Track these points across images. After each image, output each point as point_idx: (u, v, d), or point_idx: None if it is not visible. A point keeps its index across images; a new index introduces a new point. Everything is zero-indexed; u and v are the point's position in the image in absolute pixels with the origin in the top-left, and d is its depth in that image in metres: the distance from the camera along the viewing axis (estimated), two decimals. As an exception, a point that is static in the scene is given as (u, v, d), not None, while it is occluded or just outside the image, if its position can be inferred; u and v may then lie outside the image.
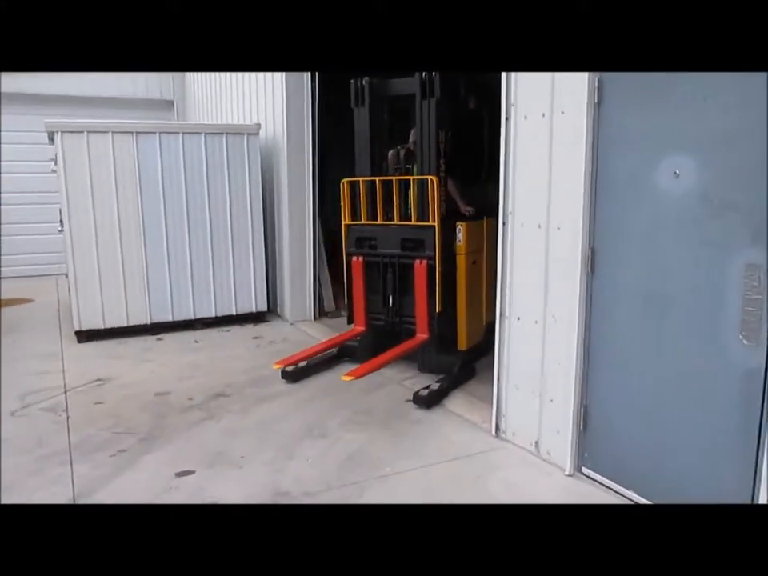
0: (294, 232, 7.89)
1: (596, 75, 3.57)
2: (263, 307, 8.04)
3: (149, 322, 7.40)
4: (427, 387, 5.15)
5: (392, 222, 5.53)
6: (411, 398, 5.14)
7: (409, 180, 5.53)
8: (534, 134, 4.00)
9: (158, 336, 7.39)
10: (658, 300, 3.36)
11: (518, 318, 4.26)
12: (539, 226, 4.00)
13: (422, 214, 5.39)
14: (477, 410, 4.96)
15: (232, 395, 5.42)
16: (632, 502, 3.52)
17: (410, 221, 5.47)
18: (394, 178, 5.51)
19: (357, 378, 4.91)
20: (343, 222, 5.83)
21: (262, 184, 7.99)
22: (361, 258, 5.68)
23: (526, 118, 4.06)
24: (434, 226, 5.24)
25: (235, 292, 7.82)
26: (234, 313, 7.85)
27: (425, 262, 5.28)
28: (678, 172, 3.19)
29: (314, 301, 8.04)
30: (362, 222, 5.73)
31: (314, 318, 8.04)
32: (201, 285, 7.64)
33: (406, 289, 5.52)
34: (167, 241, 7.39)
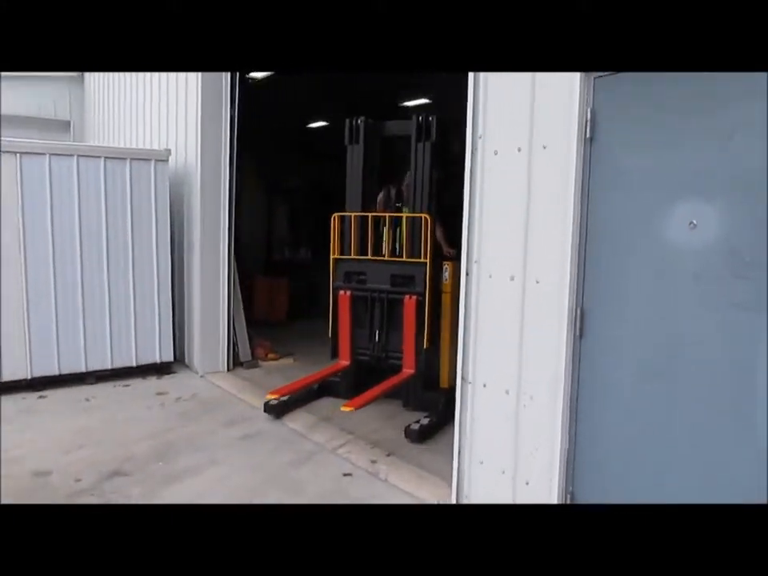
0: (206, 271, 6.99)
1: (587, 106, 3.03)
2: (169, 357, 7.03)
3: (29, 376, 6.21)
4: (417, 421, 5.12)
5: (382, 258, 5.57)
6: (347, 473, 4.55)
7: (398, 217, 5.66)
8: (506, 172, 3.41)
9: (41, 393, 6.20)
10: (667, 372, 2.80)
11: (484, 385, 3.61)
12: (512, 278, 3.39)
13: (413, 251, 5.45)
14: (428, 486, 4.25)
15: (132, 473, 4.42)
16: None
17: (400, 257, 5.54)
18: (387, 214, 5.66)
19: (356, 408, 4.85)
20: (331, 256, 5.76)
21: (171, 217, 7.06)
22: (348, 292, 5.65)
23: (496, 153, 3.47)
24: (426, 263, 5.31)
25: (136, 340, 6.77)
26: (135, 364, 6.78)
27: (414, 297, 5.31)
28: (694, 222, 2.67)
29: (227, 349, 7.13)
30: (351, 256, 5.70)
31: (228, 369, 7.11)
32: (95, 331, 6.54)
33: (393, 324, 5.52)
34: (55, 279, 6.27)
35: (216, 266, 7.07)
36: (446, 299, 5.54)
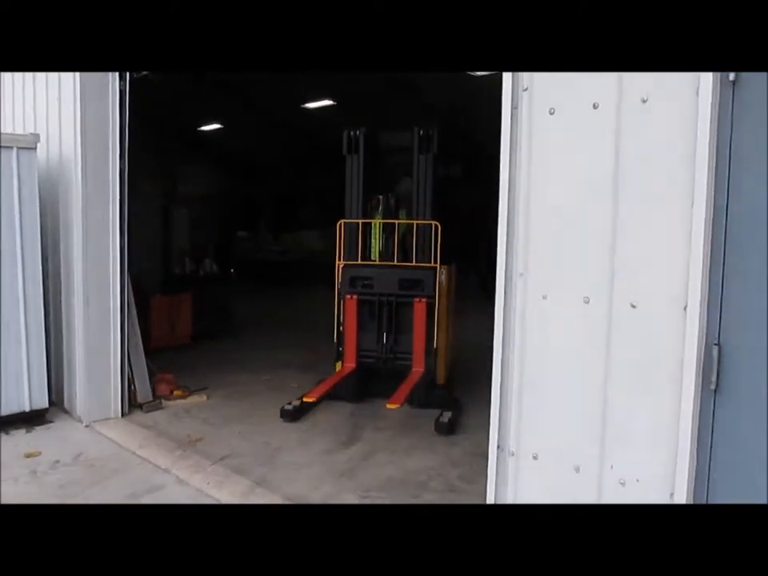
0: (91, 291, 5.35)
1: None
2: (42, 402, 5.30)
3: None
4: (440, 416, 5.12)
5: (390, 263, 5.72)
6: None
7: (395, 224, 5.85)
8: (571, 139, 2.25)
9: None
10: None
11: (534, 457, 2.42)
12: (586, 301, 2.22)
13: (422, 256, 5.64)
14: None
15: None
16: None
17: (405, 262, 5.73)
18: (397, 221, 5.84)
19: (400, 404, 4.94)
20: (338, 263, 5.84)
21: (42, 222, 5.40)
22: (355, 297, 5.65)
23: (552, 112, 2.29)
24: (435, 267, 5.51)
25: (-4, 382, 5.06)
26: (-6, 414, 5.06)
27: (425, 300, 5.44)
28: None
29: (121, 389, 5.50)
30: (359, 262, 5.78)
31: (123, 415, 5.47)
32: (-65, 374, 4.77)
33: (400, 327, 5.63)
34: None
35: (104, 285, 5.44)
36: (441, 301, 5.60)
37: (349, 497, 3.92)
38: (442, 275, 5.55)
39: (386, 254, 5.91)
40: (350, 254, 5.82)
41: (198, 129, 21.12)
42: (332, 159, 21.06)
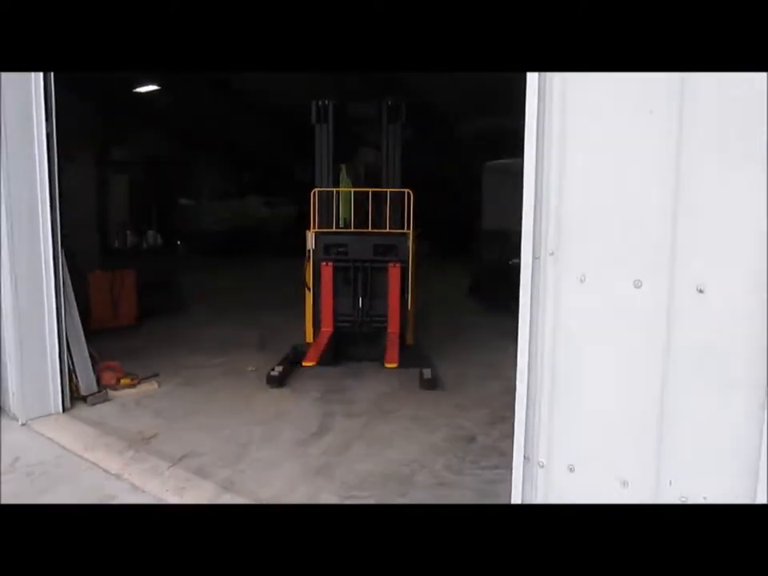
0: (20, 271, 4.70)
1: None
2: (-32, 399, 4.70)
3: None
4: (422, 373, 5.39)
5: (364, 230, 5.83)
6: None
7: (368, 192, 5.91)
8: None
9: None
10: None
11: (570, 469, 2.04)
12: (638, 285, 1.83)
13: (395, 223, 5.84)
14: None
15: None
16: None
17: (380, 229, 5.86)
18: (370, 190, 5.90)
19: (398, 364, 5.25)
20: (312, 230, 5.85)
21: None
22: (330, 264, 5.74)
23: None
24: (408, 233, 5.73)
25: None
26: None
27: (399, 265, 5.66)
28: None
29: (61, 381, 4.90)
30: (333, 229, 5.89)
31: (65, 410, 4.87)
32: None
33: (374, 291, 5.82)
34: None
35: (36, 264, 4.78)
36: (412, 266, 5.85)
37: (329, 497, 3.51)
38: (408, 240, 5.77)
39: (357, 221, 6.07)
40: (324, 221, 5.90)
41: (135, 90, 19.84)
42: (277, 123, 20.39)
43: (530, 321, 2.02)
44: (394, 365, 5.18)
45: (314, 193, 5.84)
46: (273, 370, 5.42)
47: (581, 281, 1.92)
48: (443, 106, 17.51)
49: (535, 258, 2.01)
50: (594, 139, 1.90)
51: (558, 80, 1.98)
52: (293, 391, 5.34)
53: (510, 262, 8.49)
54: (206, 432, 4.39)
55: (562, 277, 1.95)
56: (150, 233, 8.09)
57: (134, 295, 7.51)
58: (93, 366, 5.29)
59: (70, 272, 5.26)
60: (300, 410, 4.85)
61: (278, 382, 5.31)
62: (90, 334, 5.90)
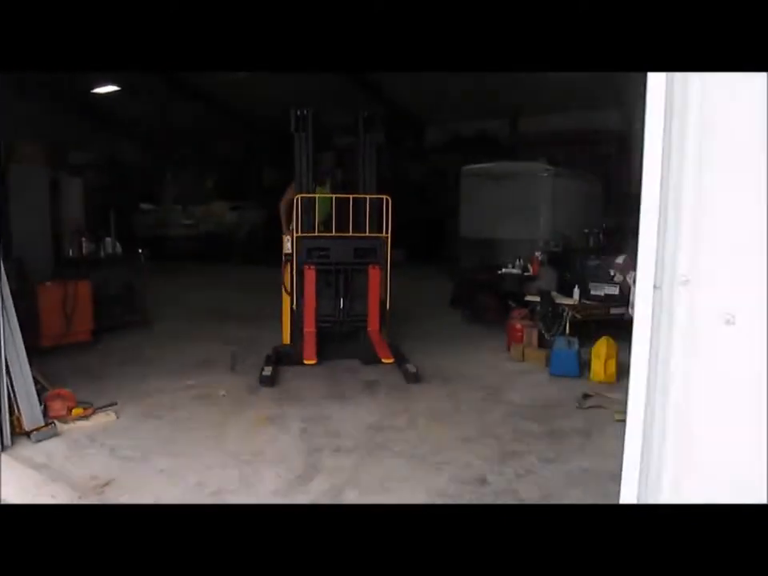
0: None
1: None
2: None
3: None
4: (406, 369, 5.66)
5: (344, 234, 5.96)
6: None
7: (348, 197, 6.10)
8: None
9: None
10: None
11: None
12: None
13: (372, 227, 6.03)
14: None
15: None
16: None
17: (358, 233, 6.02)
18: (351, 196, 6.06)
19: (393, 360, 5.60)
20: (295, 235, 5.89)
21: None
22: (313, 267, 5.83)
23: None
24: (387, 237, 5.93)
25: None
26: None
27: (378, 267, 5.89)
28: None
29: (0, 415, 4.16)
30: (315, 234, 5.99)
31: (3, 447, 4.12)
32: None
33: (354, 292, 6.03)
34: None
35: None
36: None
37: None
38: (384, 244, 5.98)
39: (335, 226, 6.16)
40: (305, 226, 5.93)
41: (92, 91, 18.87)
42: (243, 126, 19.55)
43: (647, 383, 1.43)
44: (391, 360, 5.51)
45: (297, 198, 5.88)
46: (263, 370, 5.55)
47: (727, 321, 1.34)
48: (415, 110, 17.07)
49: (656, 287, 1.43)
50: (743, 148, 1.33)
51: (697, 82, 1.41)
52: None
53: (500, 272, 7.99)
54: (170, 478, 3.70)
55: (698, 313, 1.37)
56: (108, 240, 7.29)
57: (90, 308, 6.73)
58: (39, 394, 4.55)
59: (17, 283, 4.54)
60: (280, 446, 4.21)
61: (269, 382, 5.43)
62: (40, 353, 5.22)
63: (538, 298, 6.61)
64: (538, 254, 7.53)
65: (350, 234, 5.97)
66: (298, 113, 6.01)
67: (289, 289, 6.02)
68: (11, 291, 4.41)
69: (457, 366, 6.20)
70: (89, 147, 21.41)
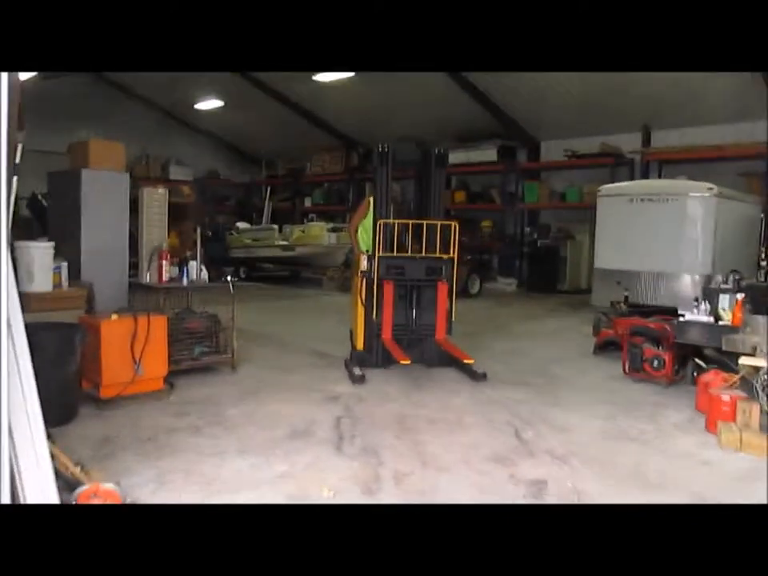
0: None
1: None
2: None
3: None
4: (475, 371, 6.29)
5: (417, 255, 6.64)
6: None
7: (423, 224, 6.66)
8: None
9: None
10: None
11: None
12: None
13: (444, 249, 6.59)
14: None
15: None
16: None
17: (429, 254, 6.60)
18: (425, 222, 6.63)
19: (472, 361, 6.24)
20: (377, 255, 6.43)
21: None
22: (391, 282, 6.44)
23: None
24: (453, 258, 6.58)
25: None
26: None
27: (446, 283, 6.54)
28: None
29: None
30: (394, 254, 6.58)
31: None
32: None
33: (424, 305, 6.64)
34: None
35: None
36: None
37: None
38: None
39: (409, 247, 6.90)
40: (385, 247, 6.55)
41: (195, 106, 18.26)
42: (347, 145, 18.10)
43: None
44: (472, 360, 6.17)
45: (379, 224, 6.49)
46: (354, 370, 6.23)
47: None
48: (530, 125, 15.25)
49: None
50: None
51: None
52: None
53: (681, 319, 6.01)
54: None
55: None
56: (194, 263, 5.91)
57: (164, 349, 5.34)
58: (70, 485, 3.09)
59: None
60: None
61: (361, 380, 6.06)
62: (97, 406, 3.83)
63: (763, 363, 4.63)
64: (739, 296, 5.52)
65: (423, 254, 6.62)
66: (380, 148, 6.66)
67: (364, 302, 6.58)
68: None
69: (644, 457, 4.32)
70: (191, 161, 20.93)
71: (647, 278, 9.39)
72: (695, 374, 6.14)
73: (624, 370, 6.43)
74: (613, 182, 11.52)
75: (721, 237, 9.17)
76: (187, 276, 5.97)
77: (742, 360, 4.79)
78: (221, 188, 22.03)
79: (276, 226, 15.47)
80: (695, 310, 5.84)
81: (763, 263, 8.07)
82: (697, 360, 5.97)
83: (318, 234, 14.01)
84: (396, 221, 6.66)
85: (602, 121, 13.95)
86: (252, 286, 14.67)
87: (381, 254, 6.46)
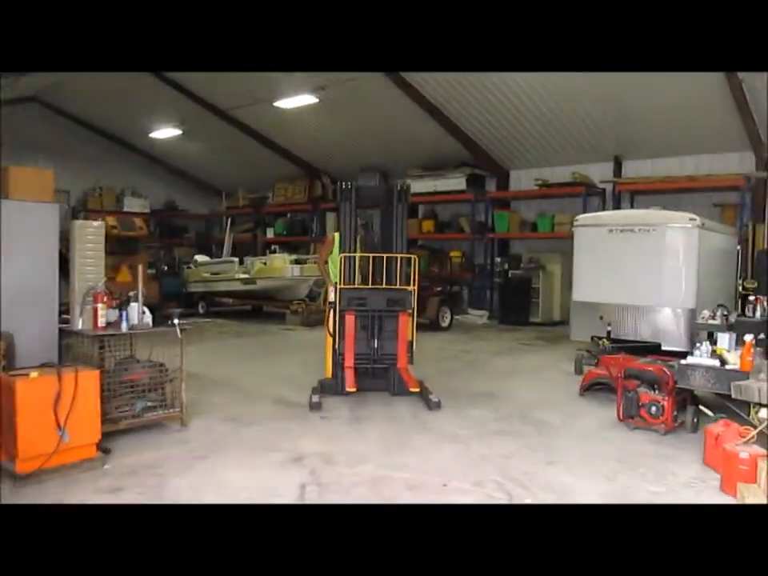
0: None
1: None
2: None
3: None
4: (429, 400, 6.47)
5: (378, 286, 6.77)
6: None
7: (383, 256, 6.91)
8: None
9: None
10: None
11: None
12: None
13: (404, 281, 6.78)
14: None
15: None
16: None
17: (388, 286, 6.79)
18: (385, 255, 6.87)
19: (419, 388, 6.51)
20: (338, 287, 6.70)
21: None
22: (353, 313, 6.65)
23: None
24: (414, 289, 6.77)
25: None
26: None
27: (406, 314, 6.72)
28: None
29: None
30: (355, 286, 6.80)
31: None
32: None
33: (386, 334, 6.78)
34: None
35: None
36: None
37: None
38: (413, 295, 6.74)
39: (370, 279, 6.83)
40: (348, 279, 6.77)
41: (150, 135, 17.46)
42: (308, 172, 17.45)
43: None
44: (417, 389, 6.40)
45: (341, 258, 6.70)
46: (312, 398, 6.38)
47: None
48: (499, 154, 14.84)
49: None
50: None
51: None
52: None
53: (684, 362, 5.45)
54: None
55: None
56: (134, 306, 5.14)
57: (96, 409, 4.53)
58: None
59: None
60: None
61: (317, 407, 6.24)
62: (14, 481, 3.07)
63: (785, 417, 4.06)
64: (749, 337, 4.98)
65: (383, 286, 6.77)
66: (343, 186, 6.88)
67: (331, 331, 6.79)
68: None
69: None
70: (148, 192, 20.03)
71: (627, 311, 8.90)
72: (696, 420, 5.60)
73: (618, 416, 5.83)
74: (585, 212, 11.13)
75: (703, 269, 8.76)
76: (127, 320, 5.18)
77: (763, 413, 4.21)
78: (179, 220, 21.14)
79: (236, 259, 14.67)
80: (696, 352, 5.29)
81: (751, 297, 7.63)
82: (701, 407, 5.40)
83: (281, 266, 13.27)
84: (358, 254, 6.90)
85: (572, 150, 13.66)
86: (210, 322, 13.81)
87: (342, 286, 6.70)
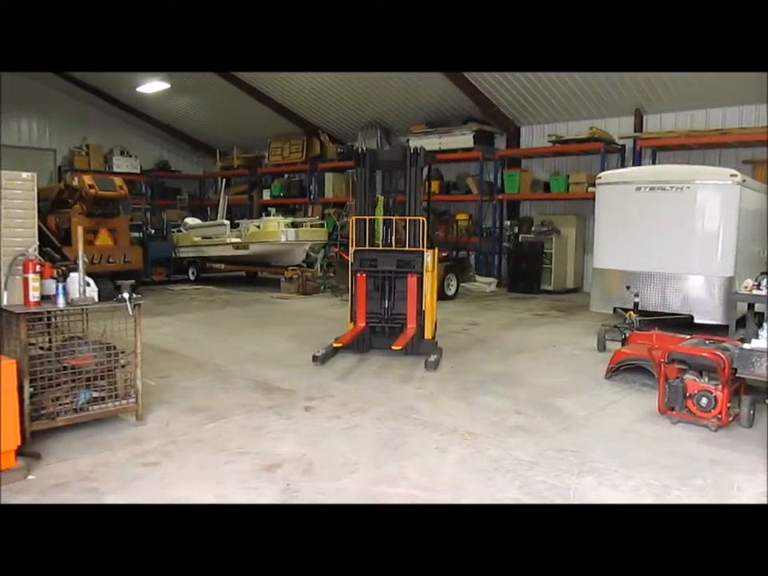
0: None
1: None
2: None
3: None
4: (429, 358, 6.47)
5: (390, 248, 7.06)
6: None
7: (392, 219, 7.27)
8: None
9: None
10: None
11: None
12: None
13: (414, 242, 6.86)
14: None
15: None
16: None
17: (402, 247, 6.94)
18: (394, 218, 7.28)
19: (402, 347, 6.29)
20: (351, 248, 6.97)
21: None
22: (364, 274, 6.90)
23: None
24: (423, 251, 6.82)
25: None
26: None
27: (416, 275, 6.82)
28: None
29: None
30: (367, 247, 6.98)
31: None
32: None
33: (397, 295, 6.94)
34: None
35: None
36: (427, 276, 6.85)
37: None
38: (427, 257, 6.85)
39: (384, 241, 7.19)
40: (360, 241, 6.96)
41: (137, 89, 16.24)
42: (306, 132, 16.12)
43: None
44: (399, 347, 6.24)
45: (353, 220, 7.06)
46: (317, 351, 6.51)
47: None
48: (512, 109, 13.61)
49: None
50: None
51: None
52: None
53: (741, 346, 4.44)
54: None
55: None
56: (74, 276, 4.14)
57: (15, 409, 3.56)
58: None
59: None
60: None
61: (321, 360, 6.43)
62: None
63: None
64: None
65: (393, 247, 7.00)
66: (359, 150, 7.18)
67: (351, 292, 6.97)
68: None
69: None
70: (138, 152, 18.89)
71: (655, 280, 7.87)
72: (752, 413, 4.64)
73: (659, 407, 4.85)
74: (603, 171, 10.00)
75: (743, 233, 7.69)
76: (64, 294, 4.18)
77: None
78: (172, 181, 20.02)
79: (227, 222, 13.62)
80: (763, 333, 4.28)
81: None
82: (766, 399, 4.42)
83: (275, 230, 12.21)
84: (368, 216, 7.07)
85: (589, 104, 12.43)
86: (200, 289, 12.84)
87: (355, 248, 6.97)
